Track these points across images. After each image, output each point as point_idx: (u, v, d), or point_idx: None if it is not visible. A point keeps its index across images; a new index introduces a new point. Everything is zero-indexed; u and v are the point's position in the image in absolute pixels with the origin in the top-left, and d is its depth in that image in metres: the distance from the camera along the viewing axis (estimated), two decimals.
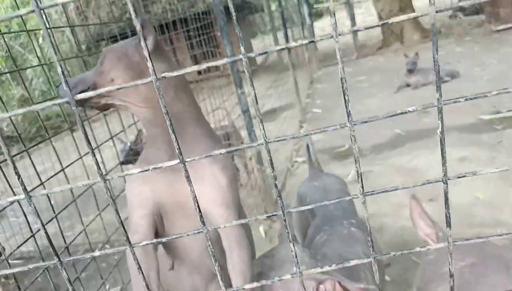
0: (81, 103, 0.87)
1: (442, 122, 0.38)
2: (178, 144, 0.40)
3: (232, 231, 1.01)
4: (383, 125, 4.77)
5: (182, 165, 0.42)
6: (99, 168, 0.39)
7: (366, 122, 0.39)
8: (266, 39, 15.64)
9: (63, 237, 1.55)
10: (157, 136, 0.96)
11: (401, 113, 0.38)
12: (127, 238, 0.43)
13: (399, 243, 2.58)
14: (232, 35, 2.65)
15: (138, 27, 0.38)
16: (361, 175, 0.41)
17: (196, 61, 9.20)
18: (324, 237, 1.41)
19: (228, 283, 1.01)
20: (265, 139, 0.36)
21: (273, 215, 0.44)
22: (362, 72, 8.30)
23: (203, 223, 0.44)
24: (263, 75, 11.49)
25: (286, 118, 6.37)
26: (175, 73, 0.40)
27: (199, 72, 9.85)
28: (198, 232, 0.42)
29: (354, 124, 0.39)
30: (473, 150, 3.57)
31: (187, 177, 0.41)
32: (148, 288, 0.91)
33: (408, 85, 6.00)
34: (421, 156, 3.72)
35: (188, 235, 0.41)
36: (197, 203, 0.95)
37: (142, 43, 0.37)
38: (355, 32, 10.03)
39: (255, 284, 0.47)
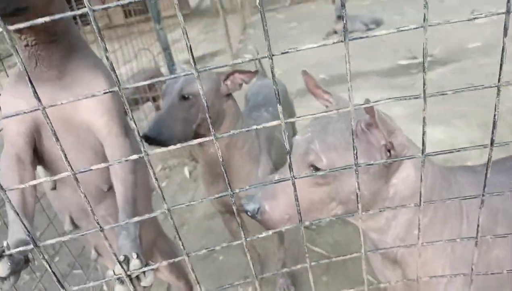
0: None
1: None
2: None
3: (116, 140, 1.00)
4: (309, 71, 4.89)
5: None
6: None
7: None
8: None
9: None
10: (45, 54, 0.91)
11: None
12: None
13: None
14: None
15: None
16: None
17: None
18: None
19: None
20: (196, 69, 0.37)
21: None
22: (294, 19, 8.32)
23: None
24: (196, 19, 11.12)
25: (217, 63, 6.29)
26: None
27: (126, 15, 9.30)
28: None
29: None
30: (389, 92, 3.80)
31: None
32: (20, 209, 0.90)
33: (335, 32, 6.14)
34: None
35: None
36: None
37: None
38: None
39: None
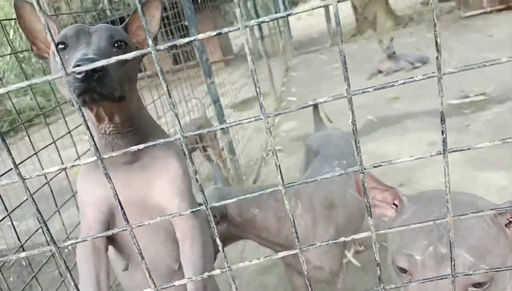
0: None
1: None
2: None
3: (186, 222, 1.02)
4: (357, 112, 4.84)
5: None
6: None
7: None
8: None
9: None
10: (121, 143, 0.95)
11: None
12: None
13: (377, 224, 2.64)
14: (200, 24, 2.62)
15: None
16: None
17: (173, 48, 9.08)
18: (309, 171, 1.81)
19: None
20: (264, 114, 0.37)
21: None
22: (336, 59, 8.36)
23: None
24: (239, 63, 11.45)
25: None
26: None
27: (176, 62, 9.74)
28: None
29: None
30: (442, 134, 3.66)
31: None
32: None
33: (380, 72, 6.08)
34: (391, 141, 3.79)
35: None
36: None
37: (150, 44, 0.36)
38: (329, 20, 9.99)
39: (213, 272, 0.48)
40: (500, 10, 7.96)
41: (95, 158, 0.37)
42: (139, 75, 1.09)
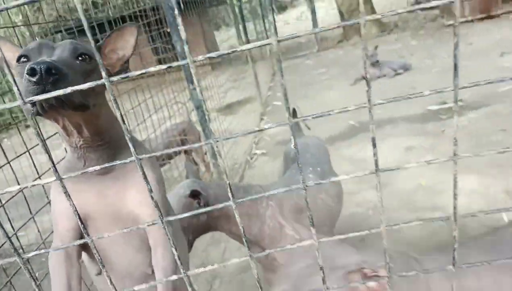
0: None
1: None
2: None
3: (159, 230, 1.05)
4: (339, 117, 4.92)
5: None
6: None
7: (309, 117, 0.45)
8: (230, 31, 15.56)
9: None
10: (93, 156, 0.97)
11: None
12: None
13: (349, 228, 2.70)
14: (187, 29, 2.65)
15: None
16: None
17: (157, 54, 9.07)
18: (285, 176, 1.89)
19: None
20: (215, 138, 0.42)
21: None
22: (322, 64, 8.46)
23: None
24: (226, 67, 11.51)
25: (247, 111, 6.45)
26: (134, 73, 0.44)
27: (160, 62, 9.74)
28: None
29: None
30: (420, 139, 3.76)
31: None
32: None
33: (364, 78, 6.19)
34: (370, 146, 3.87)
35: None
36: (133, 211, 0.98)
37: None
38: (316, 25, 10.11)
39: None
40: (481, 19, 8.15)
41: (55, 178, 0.41)
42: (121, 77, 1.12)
